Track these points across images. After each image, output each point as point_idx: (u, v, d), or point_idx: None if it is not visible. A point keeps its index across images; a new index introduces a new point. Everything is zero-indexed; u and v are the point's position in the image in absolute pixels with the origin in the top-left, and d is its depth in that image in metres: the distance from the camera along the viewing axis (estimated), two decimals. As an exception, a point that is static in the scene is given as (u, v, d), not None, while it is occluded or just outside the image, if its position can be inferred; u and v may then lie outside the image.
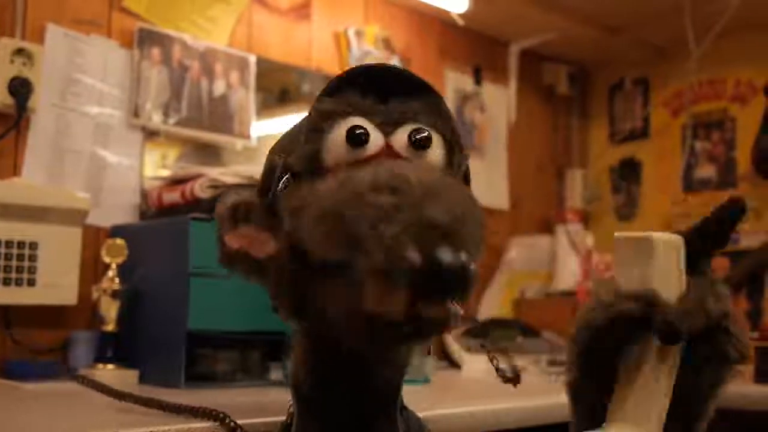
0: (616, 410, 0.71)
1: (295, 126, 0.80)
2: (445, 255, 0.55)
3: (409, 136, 0.73)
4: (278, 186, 0.74)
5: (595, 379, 0.75)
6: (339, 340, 0.66)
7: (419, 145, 0.72)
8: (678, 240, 0.73)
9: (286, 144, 0.78)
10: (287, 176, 0.73)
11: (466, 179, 0.79)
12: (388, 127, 0.73)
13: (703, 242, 0.75)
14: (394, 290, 0.57)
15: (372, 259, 0.57)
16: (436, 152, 0.74)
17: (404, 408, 0.82)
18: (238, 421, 0.89)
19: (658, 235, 0.71)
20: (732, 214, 0.75)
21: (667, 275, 0.70)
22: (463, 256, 0.56)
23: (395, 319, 0.58)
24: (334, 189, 0.62)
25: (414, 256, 0.55)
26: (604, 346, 0.72)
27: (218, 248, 0.77)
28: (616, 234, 0.74)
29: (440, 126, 0.75)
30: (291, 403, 0.79)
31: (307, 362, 0.75)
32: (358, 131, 0.72)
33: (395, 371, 0.76)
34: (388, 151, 0.72)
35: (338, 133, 0.72)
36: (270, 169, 0.77)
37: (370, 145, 0.72)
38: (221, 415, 0.90)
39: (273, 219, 0.72)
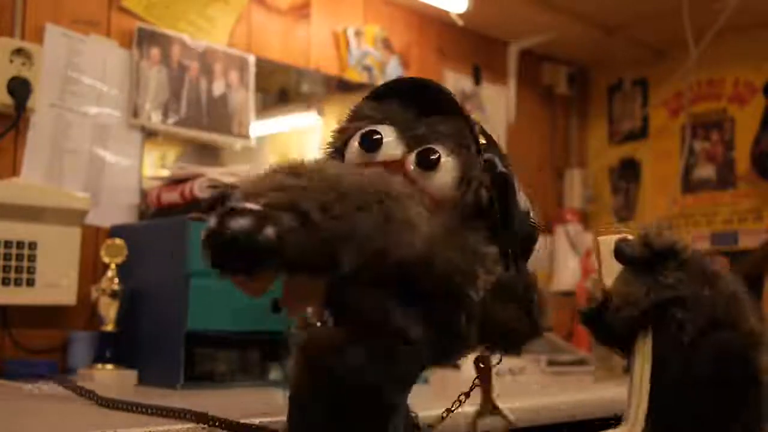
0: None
1: None
2: (239, 222, 0.54)
3: (417, 155, 0.73)
4: None
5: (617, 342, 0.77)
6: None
7: (425, 165, 0.73)
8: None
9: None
10: None
11: (502, 193, 0.74)
12: (412, 142, 0.74)
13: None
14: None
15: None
16: (445, 176, 0.73)
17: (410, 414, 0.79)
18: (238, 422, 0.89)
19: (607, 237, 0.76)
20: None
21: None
22: (268, 230, 0.54)
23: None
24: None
25: (212, 219, 0.55)
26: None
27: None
28: (599, 238, 0.77)
29: (459, 152, 0.74)
30: None
31: (295, 425, 0.71)
32: (374, 136, 0.73)
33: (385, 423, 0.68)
34: (398, 165, 0.73)
35: (359, 135, 0.75)
36: None
37: (383, 152, 0.73)
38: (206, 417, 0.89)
39: None
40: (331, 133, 0.79)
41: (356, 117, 0.77)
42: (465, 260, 0.65)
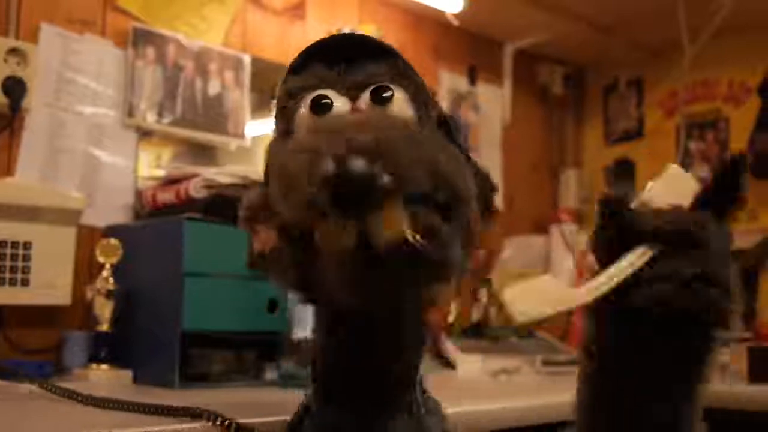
0: None
1: None
2: (357, 163, 0.55)
3: (371, 95, 0.74)
4: None
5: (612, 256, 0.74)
6: (349, 314, 0.66)
7: (381, 101, 0.74)
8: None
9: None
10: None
11: (448, 132, 0.78)
12: (353, 92, 0.75)
13: (720, 198, 0.75)
14: (331, 220, 0.57)
15: (304, 192, 0.58)
16: (401, 106, 0.74)
17: (424, 391, 0.81)
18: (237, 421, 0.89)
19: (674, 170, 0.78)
20: (734, 166, 0.77)
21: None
22: (376, 168, 0.56)
23: (355, 254, 0.57)
24: (282, 150, 0.65)
25: (328, 165, 0.56)
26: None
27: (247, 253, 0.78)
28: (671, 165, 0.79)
29: (403, 83, 0.76)
30: (303, 396, 0.79)
31: (326, 351, 0.75)
32: (322, 101, 0.74)
33: (412, 353, 0.75)
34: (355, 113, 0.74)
35: (304, 106, 0.75)
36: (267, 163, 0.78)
37: (336, 111, 0.74)
38: (206, 414, 0.89)
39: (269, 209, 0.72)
40: (273, 119, 0.78)
41: (290, 93, 0.76)
42: (462, 171, 0.66)
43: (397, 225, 0.58)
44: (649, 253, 0.68)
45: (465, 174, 0.66)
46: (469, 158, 0.76)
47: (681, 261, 0.67)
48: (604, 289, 0.67)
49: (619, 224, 0.71)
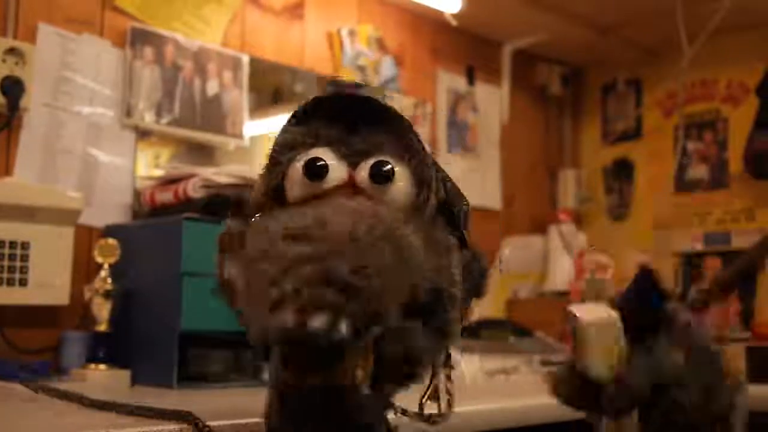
0: None
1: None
2: (316, 321, 0.54)
3: (371, 168, 0.71)
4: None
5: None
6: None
7: (381, 178, 0.70)
8: (613, 318, 0.76)
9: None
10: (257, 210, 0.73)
11: (450, 219, 0.75)
12: (353, 158, 0.71)
13: (635, 316, 0.76)
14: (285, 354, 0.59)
15: (262, 317, 0.57)
16: (400, 186, 0.71)
17: None
18: (236, 421, 0.89)
19: (590, 320, 0.75)
20: (645, 282, 0.78)
21: (606, 352, 0.73)
22: (342, 326, 0.54)
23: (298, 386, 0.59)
24: (254, 236, 0.63)
25: (286, 318, 0.54)
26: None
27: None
28: (569, 308, 0.78)
29: (408, 159, 0.72)
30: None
31: (276, 413, 0.72)
32: (318, 163, 0.70)
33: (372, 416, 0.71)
34: (350, 184, 0.70)
35: (299, 165, 0.71)
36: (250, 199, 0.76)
37: (331, 177, 0.70)
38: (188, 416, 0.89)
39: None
40: (263, 170, 0.74)
41: (286, 146, 0.72)
42: (449, 270, 0.66)
43: (354, 372, 0.60)
44: None
45: (451, 286, 0.66)
46: (465, 244, 0.74)
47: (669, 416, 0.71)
48: None
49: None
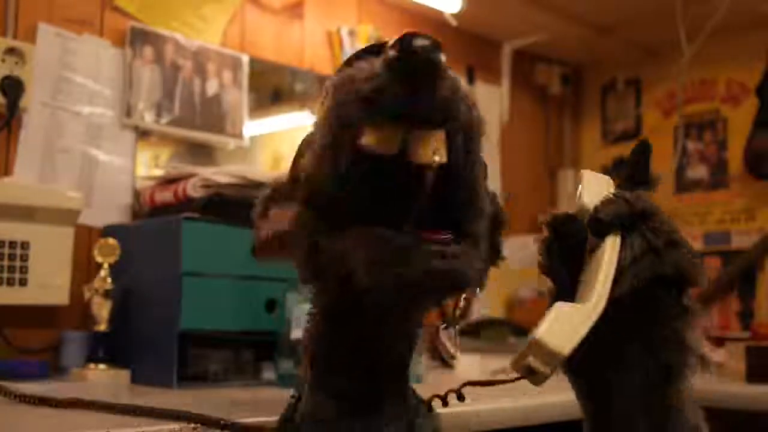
0: (577, 291, 0.74)
1: None
2: (419, 40, 0.58)
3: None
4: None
5: (567, 265, 0.79)
6: (359, 304, 0.66)
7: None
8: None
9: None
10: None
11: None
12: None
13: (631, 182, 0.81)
14: (384, 124, 0.60)
15: (362, 88, 0.61)
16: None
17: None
18: (236, 421, 0.89)
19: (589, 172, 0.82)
20: (642, 150, 0.86)
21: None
22: (434, 45, 0.58)
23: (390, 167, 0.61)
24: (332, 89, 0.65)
25: (391, 52, 0.59)
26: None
27: (253, 242, 0.78)
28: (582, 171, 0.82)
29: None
30: (293, 392, 0.79)
31: (325, 338, 0.74)
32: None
33: (407, 344, 0.76)
34: None
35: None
36: (298, 150, 0.76)
37: None
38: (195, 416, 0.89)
39: (294, 188, 0.72)
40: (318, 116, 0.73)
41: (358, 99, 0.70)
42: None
43: (432, 149, 0.61)
44: (617, 241, 0.72)
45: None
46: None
47: (647, 235, 0.72)
48: (608, 288, 0.69)
49: (575, 230, 0.77)
